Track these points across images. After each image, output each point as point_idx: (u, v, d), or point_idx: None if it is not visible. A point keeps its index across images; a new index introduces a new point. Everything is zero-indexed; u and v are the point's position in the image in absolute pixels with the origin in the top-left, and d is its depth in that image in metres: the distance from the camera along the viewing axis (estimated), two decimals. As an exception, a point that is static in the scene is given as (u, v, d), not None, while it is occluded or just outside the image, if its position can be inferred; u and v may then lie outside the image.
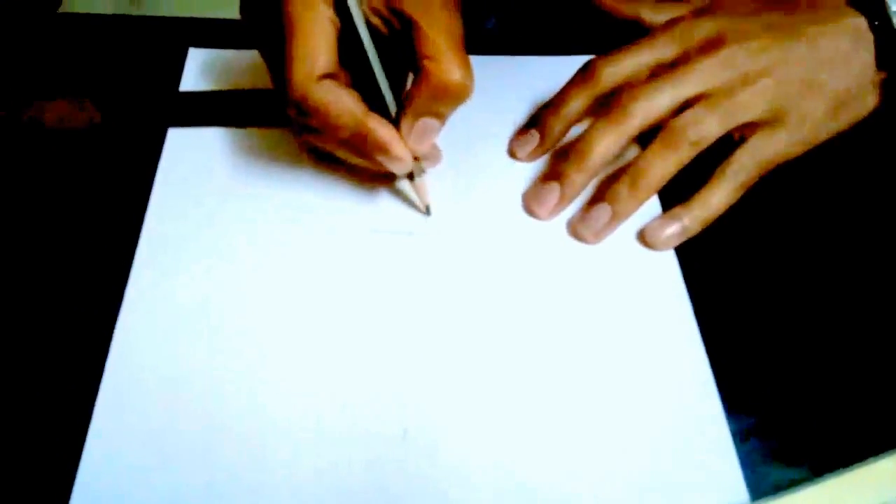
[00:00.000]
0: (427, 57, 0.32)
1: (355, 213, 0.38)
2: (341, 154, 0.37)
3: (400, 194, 0.39)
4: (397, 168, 0.35)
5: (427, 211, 0.38)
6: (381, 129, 0.33)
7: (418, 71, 0.33)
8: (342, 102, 0.32)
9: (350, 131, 0.33)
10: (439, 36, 0.32)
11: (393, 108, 0.35)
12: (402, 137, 0.34)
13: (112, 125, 0.42)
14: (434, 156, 0.38)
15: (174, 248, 0.37)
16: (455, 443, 0.31)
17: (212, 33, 0.47)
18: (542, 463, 0.31)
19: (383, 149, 0.34)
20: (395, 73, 0.35)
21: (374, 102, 0.34)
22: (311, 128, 0.35)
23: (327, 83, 0.32)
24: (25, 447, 0.31)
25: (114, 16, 0.49)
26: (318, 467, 0.30)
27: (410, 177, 0.37)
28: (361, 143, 0.34)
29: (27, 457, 0.31)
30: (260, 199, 0.39)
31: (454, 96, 0.33)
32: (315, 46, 0.32)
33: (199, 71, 0.45)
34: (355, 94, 0.33)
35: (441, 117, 0.35)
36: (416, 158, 0.36)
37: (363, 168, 0.37)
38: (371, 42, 0.33)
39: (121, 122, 0.42)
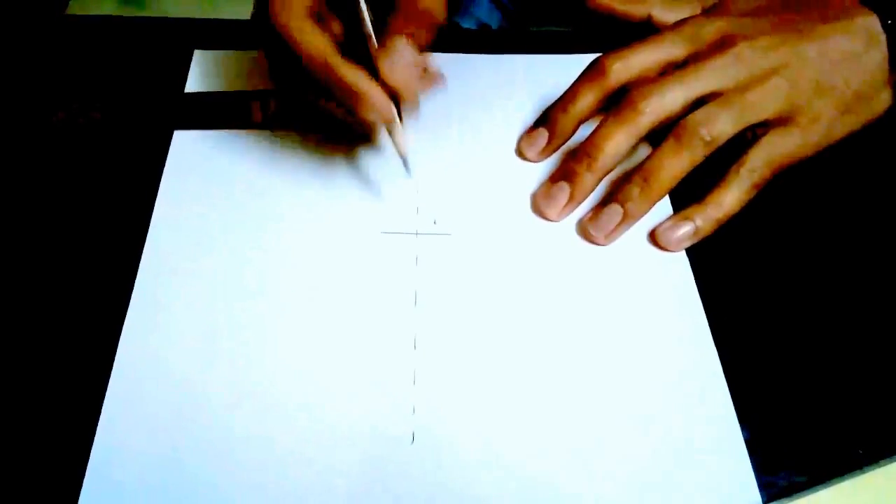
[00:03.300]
0: None
1: (363, 214, 0.38)
2: (322, 106, 0.37)
3: (409, 196, 0.39)
4: (369, 115, 0.33)
5: (405, 165, 0.37)
6: (348, 71, 0.33)
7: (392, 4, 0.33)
8: (313, 40, 0.33)
9: (319, 71, 0.33)
10: None
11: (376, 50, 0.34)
12: (372, 79, 0.33)
13: (117, 127, 0.42)
14: (415, 95, 0.35)
15: (180, 250, 0.37)
16: (464, 446, 0.31)
17: (216, 34, 0.46)
18: (552, 465, 0.31)
19: (351, 92, 0.33)
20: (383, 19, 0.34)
21: (359, 47, 0.33)
22: (288, 73, 0.35)
23: (304, 20, 0.33)
24: (36, 443, 0.31)
25: (118, 17, 0.49)
26: (326, 468, 0.30)
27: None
28: (332, 87, 0.33)
29: (38, 452, 0.31)
30: (266, 201, 0.38)
31: (424, 16, 0.34)
32: None
33: (203, 72, 0.44)
34: (329, 36, 0.33)
35: (417, 40, 0.34)
36: (394, 100, 0.34)
37: (343, 123, 0.37)
38: None
39: (126, 125, 0.42)
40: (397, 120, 0.35)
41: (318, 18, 0.34)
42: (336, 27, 0.35)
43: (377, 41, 0.34)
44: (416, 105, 0.35)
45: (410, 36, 0.33)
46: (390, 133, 0.36)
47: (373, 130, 0.38)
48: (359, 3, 0.33)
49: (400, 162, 0.37)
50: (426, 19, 0.34)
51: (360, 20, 0.33)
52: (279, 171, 0.40)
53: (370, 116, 0.34)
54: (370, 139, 0.38)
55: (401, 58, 0.33)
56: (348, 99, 0.33)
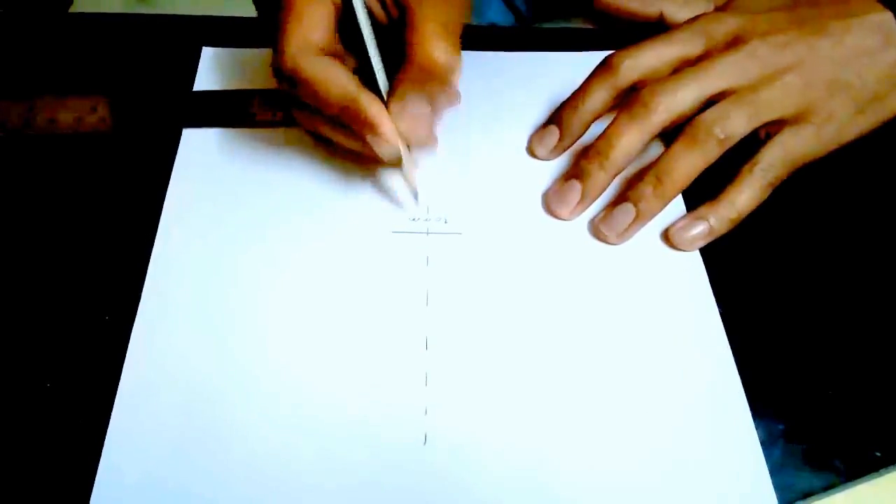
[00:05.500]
0: (414, 43, 0.33)
1: (374, 213, 0.38)
2: (330, 134, 0.36)
3: (420, 195, 0.38)
4: (385, 150, 0.34)
5: (415, 197, 0.37)
6: (371, 105, 0.32)
7: (405, 55, 0.33)
8: (333, 76, 0.32)
9: (339, 106, 0.33)
10: (429, 24, 0.32)
11: (385, 91, 0.34)
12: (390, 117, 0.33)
13: (126, 126, 0.42)
14: (426, 141, 0.36)
15: (190, 248, 0.36)
16: (477, 448, 0.31)
17: (225, 32, 0.46)
18: (565, 467, 0.30)
19: (371, 126, 0.33)
20: (393, 60, 0.34)
21: (369, 85, 0.34)
22: (301, 104, 0.35)
23: (320, 57, 0.32)
24: (48, 443, 0.31)
25: (126, 15, 0.48)
26: (337, 470, 0.30)
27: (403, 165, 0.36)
28: (350, 120, 0.33)
29: (50, 452, 0.31)
30: (276, 200, 0.38)
31: (438, 75, 0.33)
32: (310, 20, 0.32)
33: (213, 70, 0.44)
34: (348, 70, 0.33)
35: (428, 97, 0.34)
36: (408, 146, 0.35)
37: (352, 151, 0.37)
38: (368, 23, 0.33)
39: (135, 123, 0.42)
40: (409, 157, 0.36)
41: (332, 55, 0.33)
42: (350, 62, 0.34)
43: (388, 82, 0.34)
44: (429, 150, 0.37)
45: (427, 98, 0.34)
46: (402, 168, 0.36)
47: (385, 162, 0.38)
48: (368, 50, 0.33)
49: (410, 194, 0.38)
50: (438, 76, 0.33)
51: (371, 69, 0.34)
52: (288, 169, 0.40)
53: (384, 153, 0.34)
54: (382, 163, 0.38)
55: (415, 118, 0.34)
56: (367, 131, 0.33)
